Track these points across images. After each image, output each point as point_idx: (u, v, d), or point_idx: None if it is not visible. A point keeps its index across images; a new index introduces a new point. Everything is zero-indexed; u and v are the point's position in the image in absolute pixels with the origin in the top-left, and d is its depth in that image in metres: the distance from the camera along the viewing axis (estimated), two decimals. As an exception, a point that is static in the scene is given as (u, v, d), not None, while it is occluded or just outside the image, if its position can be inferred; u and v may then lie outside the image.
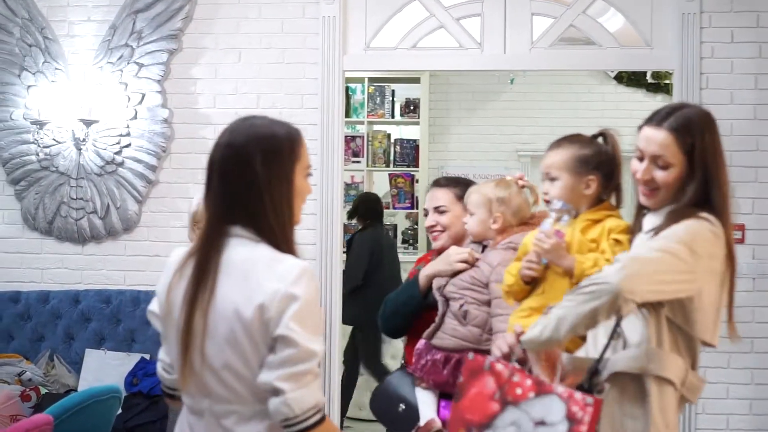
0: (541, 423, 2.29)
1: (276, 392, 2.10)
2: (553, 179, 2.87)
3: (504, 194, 3.20)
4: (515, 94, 8.89)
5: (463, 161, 8.95)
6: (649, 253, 2.34)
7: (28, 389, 4.93)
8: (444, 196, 3.51)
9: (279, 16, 5.64)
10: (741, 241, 5.26)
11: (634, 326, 2.45)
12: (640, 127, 2.55)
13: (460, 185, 3.53)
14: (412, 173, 8.82)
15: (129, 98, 5.70)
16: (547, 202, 2.89)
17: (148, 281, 5.54)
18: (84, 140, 5.69)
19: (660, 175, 2.47)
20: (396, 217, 9.03)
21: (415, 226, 8.86)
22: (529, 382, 2.34)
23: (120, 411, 4.68)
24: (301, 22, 5.61)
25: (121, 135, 5.72)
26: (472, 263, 3.21)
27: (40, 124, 5.73)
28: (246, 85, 5.66)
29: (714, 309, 2.43)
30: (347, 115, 8.27)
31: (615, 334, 2.42)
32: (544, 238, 2.72)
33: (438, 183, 3.62)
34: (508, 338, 2.64)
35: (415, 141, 8.91)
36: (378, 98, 8.90)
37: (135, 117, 5.71)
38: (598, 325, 2.34)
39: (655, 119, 2.49)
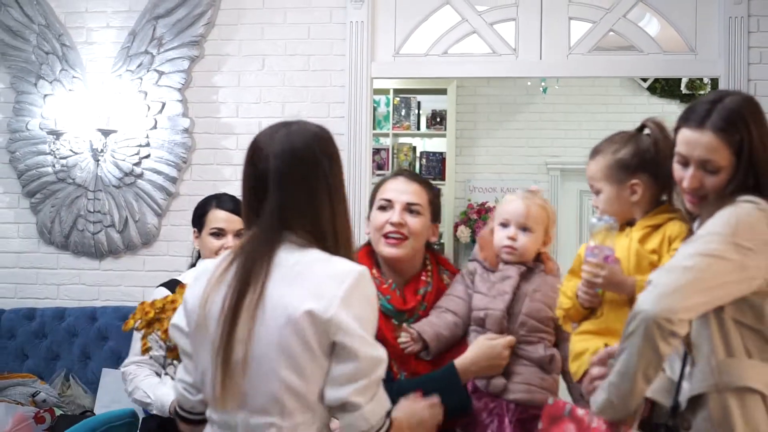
0: None
1: (351, 407, 2.03)
2: (597, 192, 2.61)
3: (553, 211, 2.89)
4: (545, 105, 8.72)
5: (491, 174, 8.78)
6: (684, 261, 2.09)
7: (42, 410, 4.78)
8: (421, 195, 2.83)
9: (305, 22, 5.51)
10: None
11: (699, 336, 2.20)
12: (677, 129, 2.29)
13: (431, 187, 2.93)
14: (439, 187, 8.63)
15: (149, 107, 5.58)
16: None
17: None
18: (102, 151, 5.57)
19: (710, 181, 2.21)
20: (422, 233, 8.85)
21: (442, 242, 8.67)
22: (604, 427, 2.21)
23: (137, 433, 4.55)
24: (327, 27, 5.49)
25: (140, 145, 5.60)
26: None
27: (57, 135, 5.63)
28: (270, 94, 5.53)
29: None
30: (372, 126, 8.10)
31: (688, 359, 2.21)
32: (593, 270, 2.46)
33: (408, 175, 2.89)
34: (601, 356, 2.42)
35: (441, 154, 8.74)
36: (403, 110, 8.74)
37: (155, 127, 5.59)
38: (666, 359, 2.11)
39: (694, 119, 2.22)
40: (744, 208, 2.12)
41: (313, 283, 2.03)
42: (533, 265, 2.76)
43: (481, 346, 2.64)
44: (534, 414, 2.57)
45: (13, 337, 5.52)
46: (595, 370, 2.39)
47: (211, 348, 2.07)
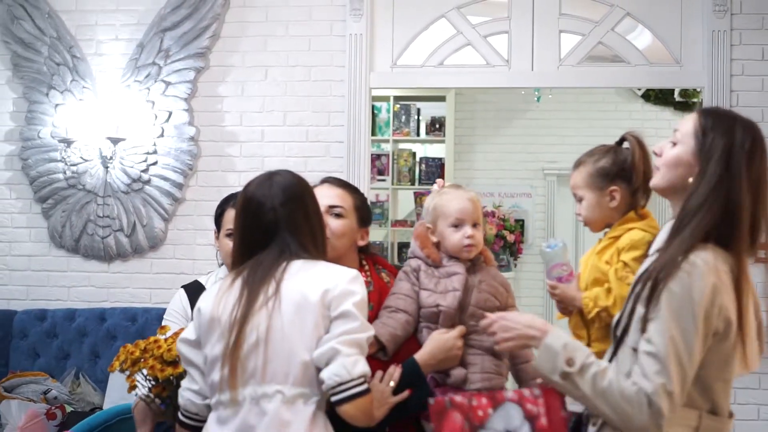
0: None
1: (336, 355, 2.29)
2: (580, 199, 2.83)
3: None
4: (541, 112, 8.87)
5: (489, 180, 8.93)
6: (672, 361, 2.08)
7: (53, 407, 4.91)
8: (344, 198, 2.90)
9: (306, 34, 5.65)
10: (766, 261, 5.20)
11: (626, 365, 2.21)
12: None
13: (357, 193, 2.99)
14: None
15: (156, 116, 5.73)
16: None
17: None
18: (111, 158, 5.72)
19: (667, 148, 2.29)
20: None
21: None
22: (484, 400, 2.38)
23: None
24: (328, 39, 5.63)
25: (147, 153, 5.74)
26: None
27: (68, 143, 5.77)
28: (273, 103, 5.67)
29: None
30: (372, 133, 8.24)
31: (611, 359, 2.25)
32: (549, 290, 2.76)
33: (333, 181, 2.96)
34: None
35: (440, 159, 8.88)
36: (403, 116, 8.88)
37: (162, 135, 5.73)
38: None
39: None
40: (685, 284, 2.10)
41: (324, 276, 2.40)
42: (474, 257, 2.82)
43: (437, 341, 2.70)
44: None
45: (26, 337, 5.65)
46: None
47: (223, 338, 2.36)
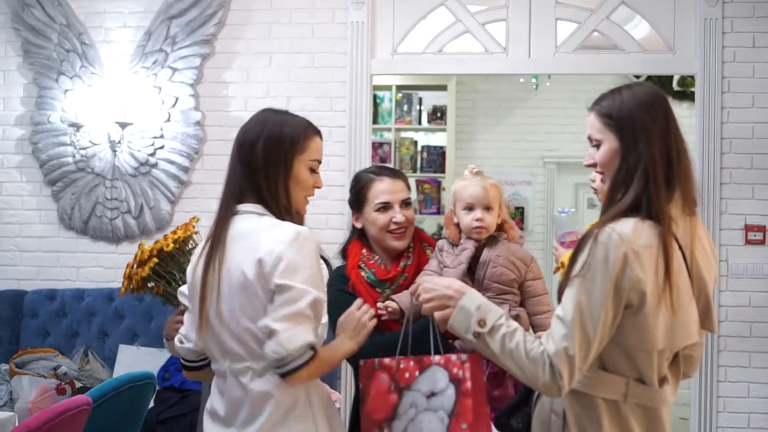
0: (432, 394, 2.43)
1: (272, 333, 2.32)
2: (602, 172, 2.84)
3: None
4: (541, 101, 8.94)
5: (490, 168, 8.78)
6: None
7: (63, 383, 5.02)
8: (405, 188, 3.22)
9: (309, 22, 5.76)
10: (762, 242, 5.34)
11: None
12: None
13: (405, 176, 3.30)
14: (439, 179, 8.88)
15: (163, 101, 5.85)
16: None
17: (180, 280, 5.66)
18: (119, 142, 5.84)
19: (596, 153, 2.32)
20: (423, 223, 9.10)
21: (441, 232, 8.89)
22: (411, 363, 2.48)
23: (152, 404, 4.83)
24: (330, 27, 5.74)
25: (154, 137, 5.86)
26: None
27: (77, 127, 5.89)
28: (277, 89, 5.78)
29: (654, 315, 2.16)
30: (375, 122, 8.34)
31: None
32: (554, 251, 2.85)
33: (389, 173, 3.23)
34: None
35: (441, 148, 8.95)
36: (405, 105, 8.95)
37: (168, 120, 5.85)
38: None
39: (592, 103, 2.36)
40: (599, 252, 2.14)
41: (259, 242, 2.40)
42: (496, 234, 3.04)
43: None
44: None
45: (36, 316, 5.79)
46: None
47: (195, 296, 2.50)
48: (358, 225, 3.26)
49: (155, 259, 3.22)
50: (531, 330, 2.99)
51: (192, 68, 5.83)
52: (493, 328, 2.22)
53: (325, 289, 2.49)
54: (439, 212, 8.89)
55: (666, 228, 2.16)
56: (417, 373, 2.46)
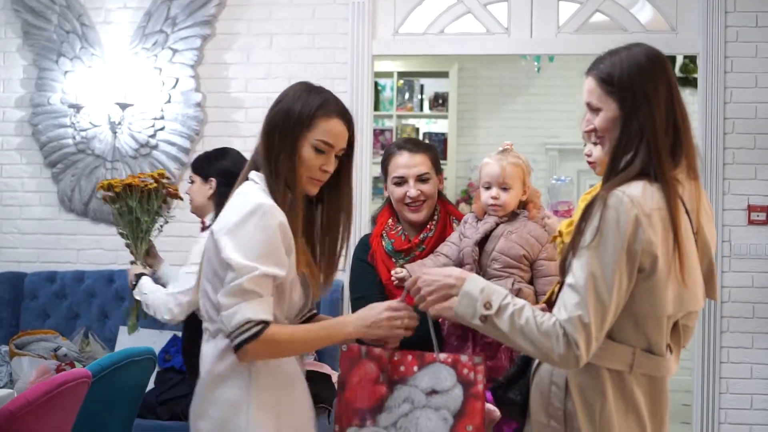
0: (433, 392, 2.39)
1: (219, 308, 2.34)
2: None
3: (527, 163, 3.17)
4: (543, 87, 8.91)
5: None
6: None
7: (63, 364, 5.03)
8: (426, 162, 3.25)
9: (310, 3, 5.74)
10: (765, 222, 5.31)
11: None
12: None
13: (432, 149, 3.35)
14: (441, 166, 8.82)
15: (163, 83, 5.83)
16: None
17: (181, 261, 5.62)
18: (119, 124, 5.83)
19: (596, 119, 2.27)
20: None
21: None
22: (410, 357, 2.42)
23: (153, 386, 4.83)
24: (331, 7, 5.72)
25: (155, 119, 5.85)
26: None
27: (77, 108, 5.88)
28: (277, 70, 5.76)
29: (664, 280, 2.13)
30: (376, 109, 8.33)
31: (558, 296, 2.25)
32: (545, 219, 2.84)
33: (410, 147, 3.29)
34: None
35: (443, 134, 8.97)
36: (407, 92, 8.96)
37: (169, 101, 5.84)
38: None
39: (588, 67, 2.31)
40: (610, 216, 2.10)
41: (225, 210, 2.43)
42: (518, 211, 3.05)
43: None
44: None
45: (36, 298, 5.78)
46: None
47: None
48: (387, 194, 3.34)
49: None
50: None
51: (192, 49, 5.82)
52: (500, 309, 2.17)
53: (284, 265, 2.36)
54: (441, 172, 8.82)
55: (674, 191, 2.13)
56: (415, 368, 2.41)
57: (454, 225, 3.26)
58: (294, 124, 2.45)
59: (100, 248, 5.94)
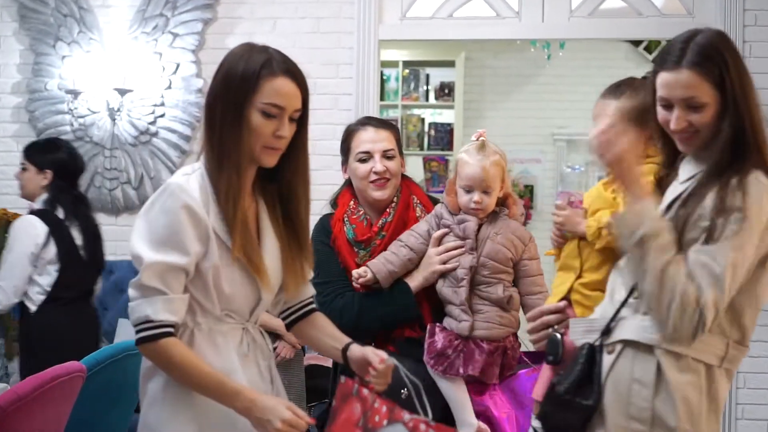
0: None
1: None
2: None
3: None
4: (551, 77, 8.78)
5: (498, 145, 8.83)
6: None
7: (60, 357, 4.92)
8: (391, 139, 3.15)
9: (315, -15, 5.61)
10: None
11: None
12: (654, 74, 2.26)
13: (395, 128, 3.27)
14: (446, 157, 8.75)
15: (163, 68, 5.72)
16: None
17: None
18: (118, 110, 5.71)
19: (697, 118, 2.18)
20: (430, 204, 8.97)
21: (449, 211, 8.76)
22: (384, 408, 2.28)
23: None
24: (337, -9, 5.59)
25: (155, 105, 5.74)
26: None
27: (75, 94, 5.75)
28: (280, 55, 5.61)
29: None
30: (380, 99, 8.21)
31: (631, 293, 2.23)
32: (557, 211, 2.66)
33: (375, 123, 3.21)
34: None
35: (449, 125, 8.84)
36: (412, 82, 8.85)
37: (169, 87, 5.73)
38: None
39: (671, 60, 2.19)
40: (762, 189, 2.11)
41: None
42: (497, 209, 2.98)
43: (425, 267, 2.99)
44: (496, 346, 2.92)
45: (33, 290, 5.67)
46: (527, 326, 2.60)
47: None
48: (345, 176, 3.24)
49: None
50: (522, 310, 2.99)
51: (193, 33, 5.69)
52: (665, 246, 2.08)
53: (186, 253, 2.17)
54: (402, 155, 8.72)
55: None
56: (385, 422, 2.28)
57: (417, 209, 3.16)
58: (237, 89, 2.20)
59: (99, 238, 5.78)
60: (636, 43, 8.38)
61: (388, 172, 3.07)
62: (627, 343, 2.18)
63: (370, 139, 3.11)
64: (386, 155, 3.10)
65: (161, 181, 5.60)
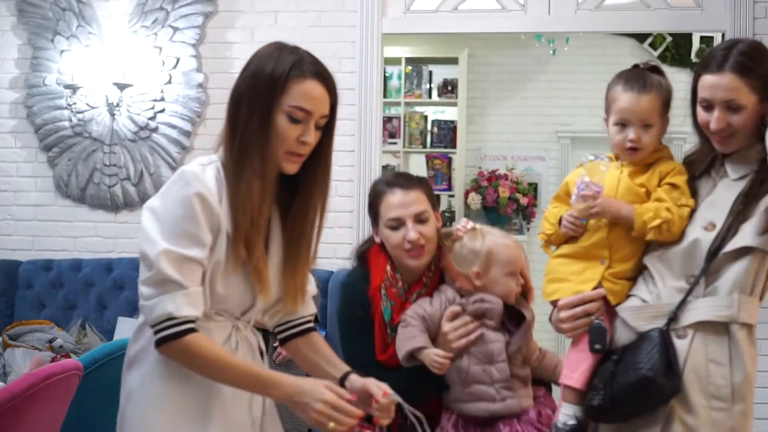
0: None
1: (140, 297, 2.11)
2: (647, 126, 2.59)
3: None
4: (555, 74, 8.72)
5: (501, 143, 8.80)
6: None
7: (59, 355, 4.84)
8: (422, 198, 2.84)
9: (317, -22, 5.53)
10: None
11: (729, 272, 2.35)
12: (697, 77, 2.41)
13: (425, 183, 2.94)
14: (449, 155, 8.68)
15: (163, 62, 5.65)
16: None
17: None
18: (118, 105, 5.65)
19: (735, 119, 2.35)
20: (434, 202, 8.89)
21: (453, 209, 8.70)
22: None
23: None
24: (339, -18, 5.51)
25: (155, 100, 5.67)
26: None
27: (74, 89, 5.70)
28: (282, 49, 5.54)
29: None
30: (383, 96, 8.14)
31: (699, 278, 2.36)
32: (587, 202, 2.51)
33: (402, 183, 2.87)
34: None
35: (452, 122, 8.76)
36: (415, 79, 8.78)
37: (169, 82, 5.66)
38: None
39: (714, 64, 2.35)
40: None
41: None
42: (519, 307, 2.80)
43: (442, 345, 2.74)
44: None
45: (31, 288, 5.62)
46: (563, 314, 2.53)
47: None
48: (377, 240, 2.92)
49: None
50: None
51: (194, 27, 5.62)
52: None
53: (202, 245, 2.09)
54: (449, 188, 8.69)
55: None
56: None
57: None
58: (264, 89, 2.13)
59: (98, 236, 5.78)
60: (641, 38, 8.31)
61: (422, 238, 2.77)
62: (698, 327, 2.33)
63: (399, 204, 2.80)
64: (419, 219, 2.80)
65: (161, 178, 5.57)
